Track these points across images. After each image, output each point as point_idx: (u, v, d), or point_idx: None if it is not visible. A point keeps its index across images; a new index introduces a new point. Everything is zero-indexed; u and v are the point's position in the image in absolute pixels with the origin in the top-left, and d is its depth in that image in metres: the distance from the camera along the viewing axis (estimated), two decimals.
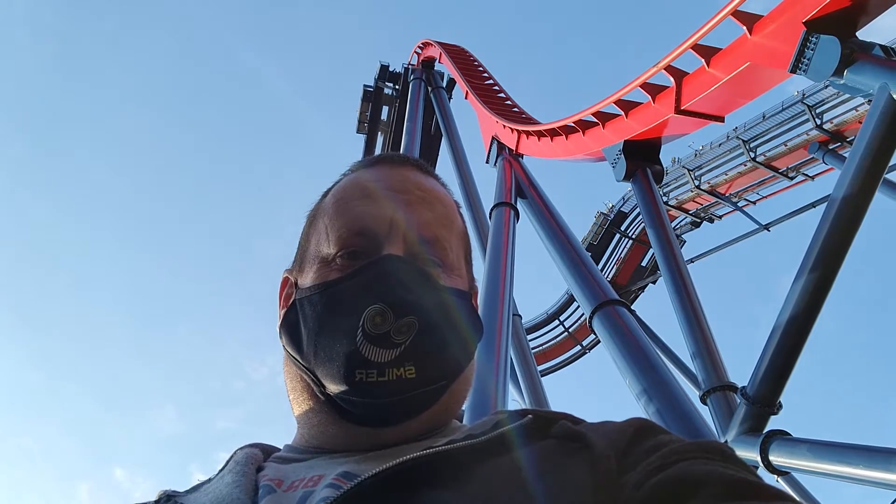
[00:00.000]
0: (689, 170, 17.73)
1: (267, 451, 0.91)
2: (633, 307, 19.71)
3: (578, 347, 20.23)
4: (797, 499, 0.57)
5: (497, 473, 0.67)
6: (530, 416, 0.77)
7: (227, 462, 0.87)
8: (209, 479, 0.86)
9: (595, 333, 8.24)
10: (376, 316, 0.78)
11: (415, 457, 0.68)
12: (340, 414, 0.82)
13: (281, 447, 0.92)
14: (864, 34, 6.38)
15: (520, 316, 12.60)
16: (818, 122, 14.62)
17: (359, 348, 0.77)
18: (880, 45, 6.04)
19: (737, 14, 7.10)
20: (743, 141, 16.19)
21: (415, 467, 0.67)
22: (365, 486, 0.66)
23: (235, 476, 0.80)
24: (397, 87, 21.34)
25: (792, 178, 16.36)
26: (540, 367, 17.39)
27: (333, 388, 0.80)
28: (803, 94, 14.74)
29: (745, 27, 7.10)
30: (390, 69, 21.52)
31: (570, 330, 20.24)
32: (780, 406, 6.76)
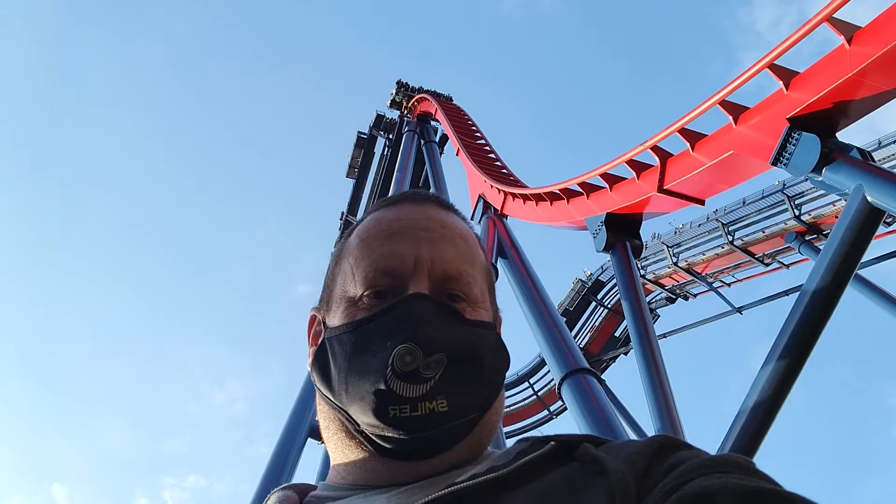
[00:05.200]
0: (668, 246, 18.01)
1: (303, 492, 0.91)
2: (603, 376, 19.72)
3: (546, 412, 20.08)
4: (813, 500, 0.56)
5: None
6: (552, 442, 0.79)
7: None
8: None
9: (563, 401, 8.21)
10: (406, 355, 0.79)
11: (439, 495, 0.70)
12: (376, 449, 0.84)
13: (318, 485, 0.93)
14: (844, 136, 6.65)
15: None
16: (797, 212, 14.98)
17: (390, 385, 0.79)
18: (858, 148, 6.26)
19: (724, 103, 7.34)
20: (722, 224, 16.52)
21: None
22: None
23: None
24: (391, 135, 21.64)
25: (767, 265, 16.65)
26: (506, 429, 17.25)
27: (367, 424, 0.81)
28: (784, 185, 15.12)
29: (731, 117, 7.33)
30: (386, 118, 21.86)
31: (538, 394, 20.12)
32: None
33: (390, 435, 0.80)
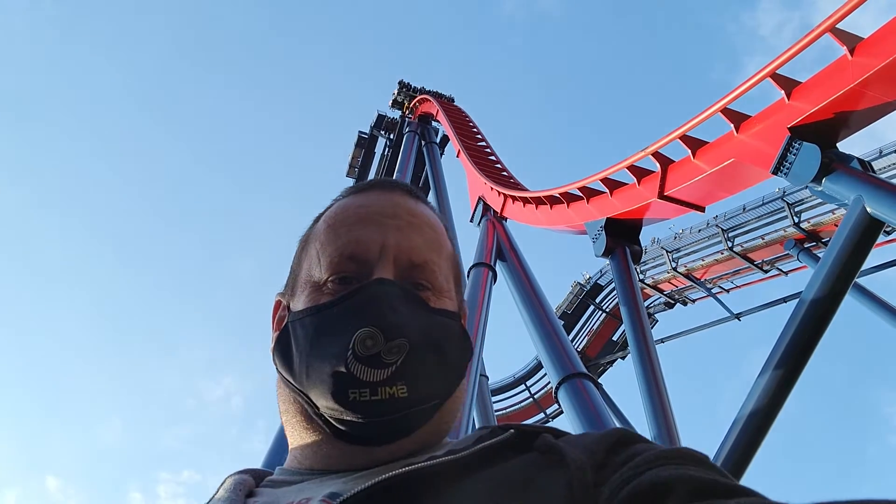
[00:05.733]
0: (667, 251, 18.02)
1: (259, 476, 0.91)
2: (600, 380, 19.73)
3: (542, 415, 20.09)
4: (765, 497, 0.55)
5: (475, 488, 0.68)
6: (512, 430, 0.78)
7: (217, 489, 0.87)
8: None
9: (559, 404, 8.23)
10: (367, 339, 0.79)
11: (395, 474, 0.69)
12: (334, 433, 0.83)
13: (274, 470, 0.92)
14: (845, 145, 6.67)
15: (486, 377, 12.55)
16: (796, 220, 14.99)
17: (350, 368, 0.78)
18: (858, 159, 6.28)
19: (726, 111, 7.36)
20: (722, 230, 16.53)
21: (395, 485, 0.69)
22: None
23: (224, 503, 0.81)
24: (392, 136, 21.63)
25: (766, 272, 16.67)
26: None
27: (327, 407, 0.81)
28: (784, 192, 15.14)
29: (732, 125, 7.35)
30: (387, 118, 21.85)
31: (535, 396, 20.14)
32: None
33: (349, 419, 0.79)
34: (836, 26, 6.03)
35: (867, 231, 6.16)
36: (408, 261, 0.89)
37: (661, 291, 18.95)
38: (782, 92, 6.76)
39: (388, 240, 0.89)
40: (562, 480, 0.67)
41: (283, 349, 0.89)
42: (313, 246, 0.94)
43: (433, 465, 0.71)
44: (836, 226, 6.67)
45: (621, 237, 9.43)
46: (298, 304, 0.90)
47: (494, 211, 12.56)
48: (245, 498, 0.84)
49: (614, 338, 19.86)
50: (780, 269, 16.57)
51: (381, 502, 0.68)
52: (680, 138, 7.95)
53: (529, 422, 19.82)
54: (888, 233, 13.64)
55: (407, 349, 0.80)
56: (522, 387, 20.36)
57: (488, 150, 16.39)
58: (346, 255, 0.88)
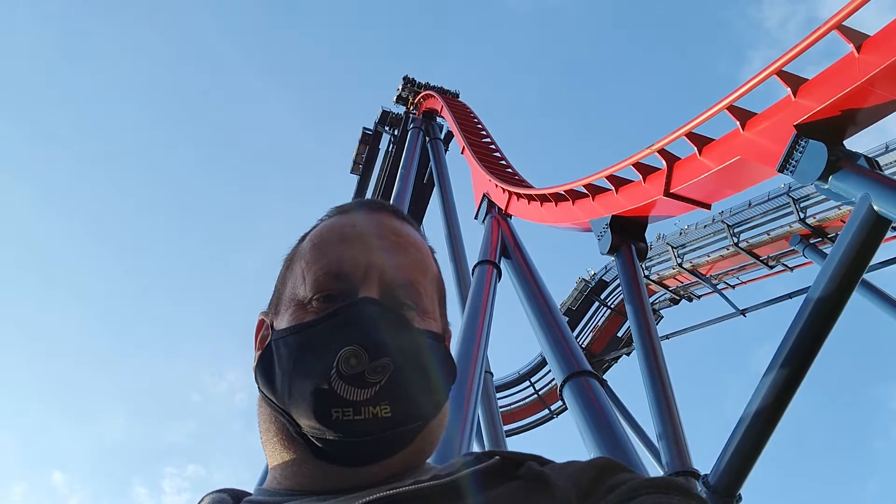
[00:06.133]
0: (672, 247, 17.97)
1: (237, 496, 0.89)
2: (605, 376, 19.73)
3: (546, 411, 20.09)
4: None
5: None
6: (497, 457, 0.78)
7: None
8: None
9: (564, 402, 8.23)
10: (351, 357, 0.79)
11: (378, 497, 0.69)
12: (315, 453, 0.82)
13: (253, 491, 0.91)
14: (851, 144, 6.63)
15: (491, 374, 12.56)
16: (802, 215, 14.94)
17: (333, 387, 0.78)
18: (865, 156, 6.25)
19: (732, 109, 7.33)
20: (728, 225, 16.48)
21: None
22: None
23: None
24: (396, 131, 21.61)
25: (772, 267, 16.63)
26: (506, 427, 17.27)
27: (309, 426, 0.80)
28: (789, 187, 15.08)
29: (738, 122, 7.32)
30: (392, 113, 21.83)
31: (539, 393, 20.13)
32: (740, 498, 6.77)
33: (331, 438, 0.78)
34: (843, 23, 5.99)
35: (874, 229, 6.14)
36: (392, 280, 0.88)
37: (666, 287, 18.92)
38: (788, 89, 6.72)
39: (374, 259, 0.89)
40: None
41: (265, 367, 0.88)
42: (298, 265, 0.93)
43: (418, 490, 0.71)
44: (843, 221, 6.65)
45: (627, 235, 9.41)
46: (282, 322, 0.89)
47: (499, 208, 12.55)
48: None
49: (619, 334, 19.85)
50: (786, 265, 16.53)
51: None
52: (686, 136, 7.92)
53: (533, 419, 19.72)
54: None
55: (391, 369, 0.79)
56: (527, 383, 20.34)
57: (493, 146, 16.37)
58: (332, 274, 0.88)
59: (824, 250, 14.15)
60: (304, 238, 0.99)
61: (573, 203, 10.44)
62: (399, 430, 0.80)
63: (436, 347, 0.89)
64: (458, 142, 16.64)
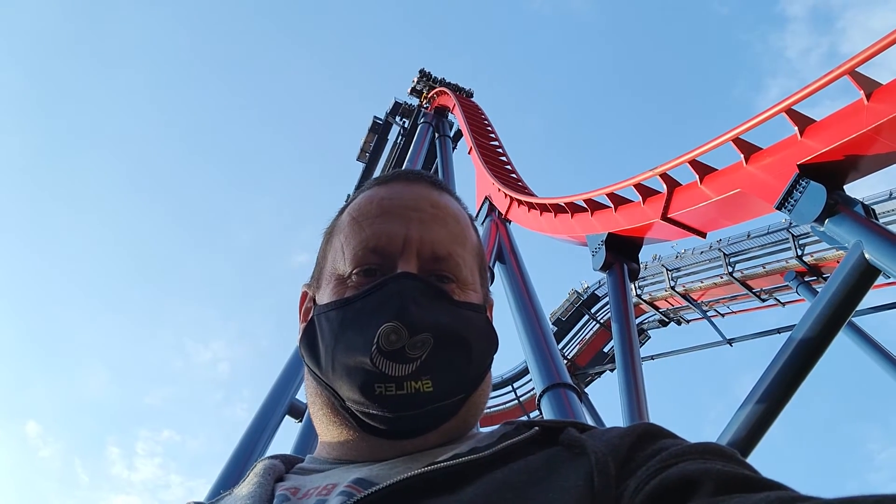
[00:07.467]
0: (667, 269, 18.00)
1: (290, 463, 0.93)
2: (587, 389, 19.79)
3: (525, 418, 19.91)
4: (793, 490, 0.56)
5: (497, 486, 0.68)
6: (536, 427, 0.79)
7: (248, 474, 0.89)
8: (230, 491, 0.88)
9: (541, 412, 8.28)
10: (391, 333, 0.80)
11: (419, 473, 0.70)
12: (360, 426, 0.84)
13: (305, 458, 0.95)
14: (853, 187, 6.66)
15: None
16: (799, 252, 14.94)
17: (375, 363, 0.79)
18: (863, 203, 6.28)
19: (737, 141, 7.35)
20: (724, 254, 16.50)
21: (419, 482, 0.70)
22: (369, 499, 0.70)
23: (252, 487, 0.83)
24: (406, 121, 21.64)
25: (764, 300, 16.65)
26: (483, 430, 17.25)
27: (353, 401, 0.82)
28: (790, 224, 15.09)
29: (743, 155, 7.34)
30: (404, 104, 21.85)
31: (520, 399, 20.19)
32: None
33: (375, 412, 0.80)
34: (856, 70, 6.02)
35: (864, 276, 6.17)
36: (431, 253, 0.89)
37: (656, 308, 18.95)
38: (796, 128, 6.75)
39: (412, 232, 0.89)
40: (582, 471, 0.68)
41: (309, 342, 0.91)
42: (337, 238, 0.95)
43: (457, 464, 0.72)
44: (839, 262, 6.66)
45: (621, 253, 9.45)
46: (324, 296, 0.91)
47: (499, 212, 12.59)
48: (274, 482, 0.86)
49: (605, 349, 19.88)
50: (778, 300, 16.55)
51: (408, 496, 0.69)
52: (689, 162, 7.95)
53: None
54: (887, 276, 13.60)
55: (431, 344, 0.81)
56: (509, 388, 20.40)
57: (500, 150, 16.40)
58: (370, 248, 0.89)
59: (817, 289, 14.18)
60: (342, 211, 1.01)
61: (572, 216, 10.48)
62: (442, 403, 0.82)
63: (476, 319, 0.90)
64: (466, 141, 16.68)
